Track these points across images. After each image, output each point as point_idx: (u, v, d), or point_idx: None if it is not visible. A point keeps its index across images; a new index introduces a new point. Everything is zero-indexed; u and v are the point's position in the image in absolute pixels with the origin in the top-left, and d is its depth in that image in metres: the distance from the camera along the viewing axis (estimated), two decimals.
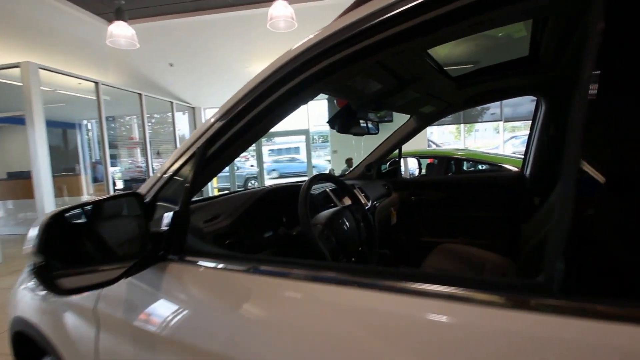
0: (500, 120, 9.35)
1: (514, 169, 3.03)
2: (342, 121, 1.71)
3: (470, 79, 1.62)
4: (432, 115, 2.07)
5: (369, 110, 1.69)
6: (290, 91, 0.68)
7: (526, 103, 9.18)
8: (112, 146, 7.78)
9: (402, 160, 2.54)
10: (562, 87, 1.72)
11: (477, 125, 11.58)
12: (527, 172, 1.96)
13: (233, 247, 1.10)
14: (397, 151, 2.45)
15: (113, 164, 7.43)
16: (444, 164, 3.65)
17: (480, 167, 4.11)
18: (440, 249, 2.06)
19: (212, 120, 0.76)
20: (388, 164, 2.66)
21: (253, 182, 11.47)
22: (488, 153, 3.60)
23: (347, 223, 1.25)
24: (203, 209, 1.17)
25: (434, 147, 9.52)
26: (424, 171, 4.71)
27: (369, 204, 1.85)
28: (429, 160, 4.69)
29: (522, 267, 1.83)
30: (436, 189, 2.32)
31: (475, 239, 2.16)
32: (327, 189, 1.61)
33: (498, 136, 10.30)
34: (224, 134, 0.74)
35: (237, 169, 11.51)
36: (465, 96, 1.82)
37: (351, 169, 2.52)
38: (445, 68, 1.55)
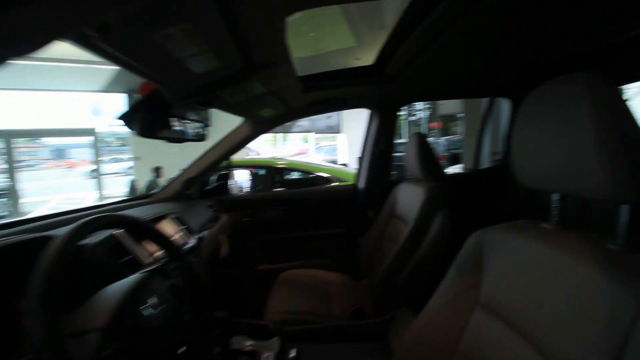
0: (312, 132, 10.46)
1: (337, 178, 3.20)
2: (144, 118, 1.10)
3: (316, 81, 1.39)
4: (271, 121, 1.73)
5: (190, 105, 1.14)
6: None
7: (323, 119, 10.74)
8: None
9: (230, 172, 2.07)
10: (397, 101, 1.78)
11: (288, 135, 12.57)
12: (361, 184, 1.96)
13: None
14: (225, 162, 1.97)
15: None
16: (270, 174, 3.44)
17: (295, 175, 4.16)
18: (282, 278, 1.76)
19: None
20: (216, 177, 2.13)
21: None
22: (312, 163, 3.67)
23: (156, 308, 0.69)
24: None
25: (253, 155, 9.46)
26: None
27: (193, 242, 1.29)
28: (250, 170, 4.40)
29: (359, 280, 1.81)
30: (271, 206, 2.00)
31: (317, 258, 1.99)
32: (116, 232, 0.93)
33: (306, 144, 11.51)
34: None
35: None
36: (309, 100, 1.59)
37: (164, 185, 1.84)
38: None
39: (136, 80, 0.99)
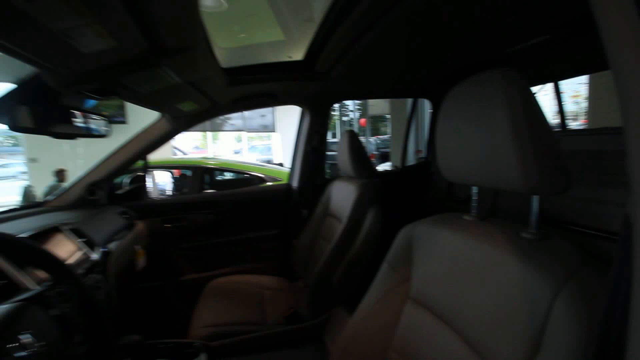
0: (245, 131, 10.09)
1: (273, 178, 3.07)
2: (25, 109, 0.90)
3: (243, 74, 1.29)
4: (193, 116, 1.56)
5: (84, 94, 0.95)
6: None
7: (257, 117, 10.49)
8: None
9: (147, 173, 1.84)
10: (328, 99, 1.76)
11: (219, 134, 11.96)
12: (294, 183, 1.90)
13: None
14: (141, 163, 1.74)
15: None
16: (198, 176, 3.17)
17: (227, 175, 3.92)
18: (210, 288, 1.61)
19: None
20: (129, 180, 1.87)
21: None
22: (246, 163, 3.48)
23: (29, 347, 0.54)
24: None
25: (180, 155, 8.75)
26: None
27: (95, 256, 1.09)
28: (176, 172, 4.02)
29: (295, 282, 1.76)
30: (198, 209, 1.83)
31: (250, 263, 1.88)
32: None
33: (239, 144, 11.09)
34: None
35: None
36: (235, 95, 1.47)
37: (61, 191, 1.55)
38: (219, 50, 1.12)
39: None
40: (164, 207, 1.78)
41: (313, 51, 1.20)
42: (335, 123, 11.66)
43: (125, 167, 1.59)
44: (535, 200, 0.56)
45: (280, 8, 1.29)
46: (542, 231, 0.56)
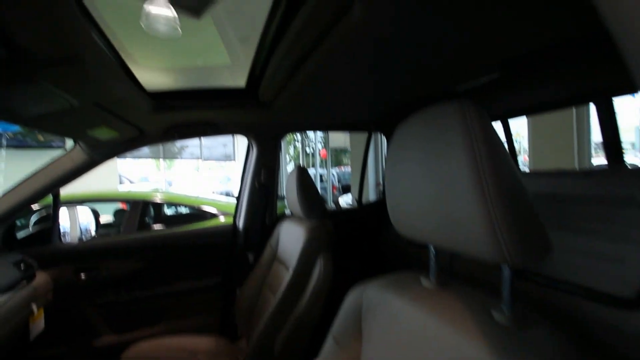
0: (200, 158, 9.64)
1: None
2: None
3: (174, 99, 1.11)
4: (114, 146, 1.33)
5: None
6: None
7: (219, 146, 10.14)
8: None
9: (61, 211, 1.54)
10: (275, 130, 1.61)
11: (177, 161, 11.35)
12: (240, 223, 1.69)
13: None
14: (50, 198, 1.45)
15: None
16: (135, 212, 2.81)
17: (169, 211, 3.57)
18: (131, 354, 1.31)
19: None
20: (34, 219, 1.55)
21: None
22: (196, 196, 3.16)
23: None
24: None
25: (127, 184, 8.06)
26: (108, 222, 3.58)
27: None
28: (121, 205, 3.58)
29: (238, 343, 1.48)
30: (122, 254, 1.54)
31: (184, 320, 1.59)
32: None
33: (197, 173, 10.57)
34: None
35: None
36: (166, 122, 1.28)
37: None
38: (134, 72, 0.95)
39: None
40: (78, 252, 1.47)
41: (254, 78, 1.07)
42: (298, 154, 11.63)
43: (26, 204, 1.30)
44: (506, 271, 0.44)
45: (226, 28, 1.17)
46: (517, 311, 0.43)
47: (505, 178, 0.38)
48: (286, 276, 1.19)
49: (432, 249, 0.57)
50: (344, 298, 0.67)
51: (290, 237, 1.32)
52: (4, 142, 5.23)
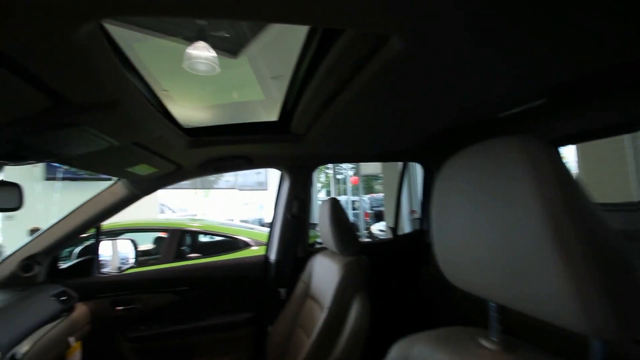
0: (234, 188, 9.95)
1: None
2: None
3: (208, 134, 1.14)
4: (154, 181, 1.38)
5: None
6: None
7: (252, 174, 10.43)
8: None
9: (102, 243, 1.59)
10: (308, 162, 1.60)
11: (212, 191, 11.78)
12: (272, 256, 1.65)
13: None
14: (94, 231, 1.52)
15: None
16: (173, 241, 2.88)
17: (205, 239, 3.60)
18: None
19: None
20: (78, 251, 1.62)
21: None
22: (231, 225, 3.20)
23: None
24: None
25: (169, 213, 8.46)
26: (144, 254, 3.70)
27: None
28: (161, 233, 3.69)
29: None
30: (157, 287, 1.55)
31: (215, 356, 1.54)
32: None
33: (232, 202, 10.86)
34: None
35: None
36: (201, 157, 1.31)
37: None
38: (171, 111, 0.98)
39: None
40: (114, 285, 1.50)
41: (286, 111, 1.07)
42: (329, 181, 11.63)
43: (70, 238, 1.36)
44: (596, 346, 0.35)
45: (260, 66, 1.20)
46: None
47: (590, 224, 0.31)
48: (320, 316, 1.12)
49: (491, 305, 0.49)
50: (379, 339, 0.59)
51: (324, 273, 1.25)
52: (60, 175, 5.73)
